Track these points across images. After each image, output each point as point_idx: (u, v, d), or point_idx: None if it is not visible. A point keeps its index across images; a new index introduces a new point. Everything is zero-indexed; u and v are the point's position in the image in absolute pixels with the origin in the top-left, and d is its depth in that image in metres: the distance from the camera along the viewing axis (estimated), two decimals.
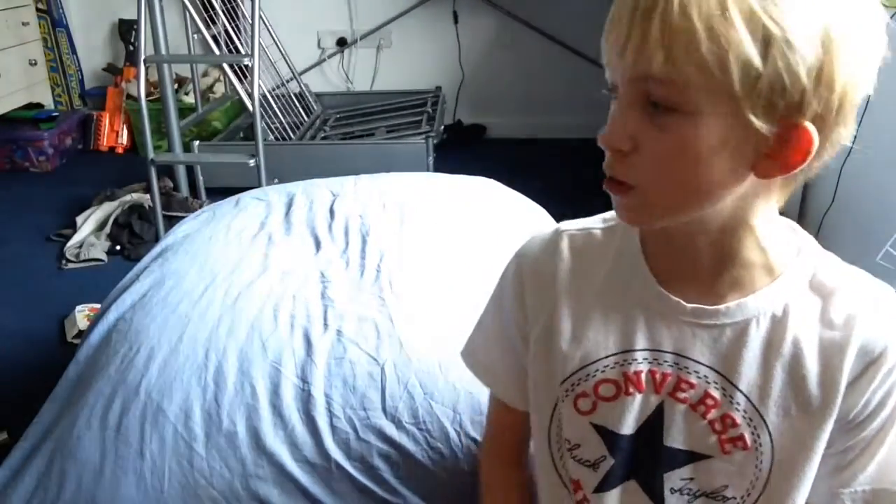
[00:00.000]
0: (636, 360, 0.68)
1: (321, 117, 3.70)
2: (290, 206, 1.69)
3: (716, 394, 0.66)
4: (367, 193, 1.72)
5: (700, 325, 0.66)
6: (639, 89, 0.58)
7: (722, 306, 0.65)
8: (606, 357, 0.69)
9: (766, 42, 0.52)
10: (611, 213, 0.73)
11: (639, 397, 0.68)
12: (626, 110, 0.59)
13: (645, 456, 0.70)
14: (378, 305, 1.30)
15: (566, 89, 3.83)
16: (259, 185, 2.38)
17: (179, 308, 1.31)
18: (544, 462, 0.77)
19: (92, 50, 4.02)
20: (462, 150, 3.70)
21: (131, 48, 3.80)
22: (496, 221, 1.65)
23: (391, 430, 1.09)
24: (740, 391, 0.65)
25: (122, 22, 3.91)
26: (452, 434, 1.08)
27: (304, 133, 3.43)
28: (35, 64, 3.74)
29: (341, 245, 1.51)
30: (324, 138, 3.47)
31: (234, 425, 1.10)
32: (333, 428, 1.09)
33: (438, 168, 2.91)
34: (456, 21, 3.80)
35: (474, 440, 1.08)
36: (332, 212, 1.64)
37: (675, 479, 0.69)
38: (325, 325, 1.25)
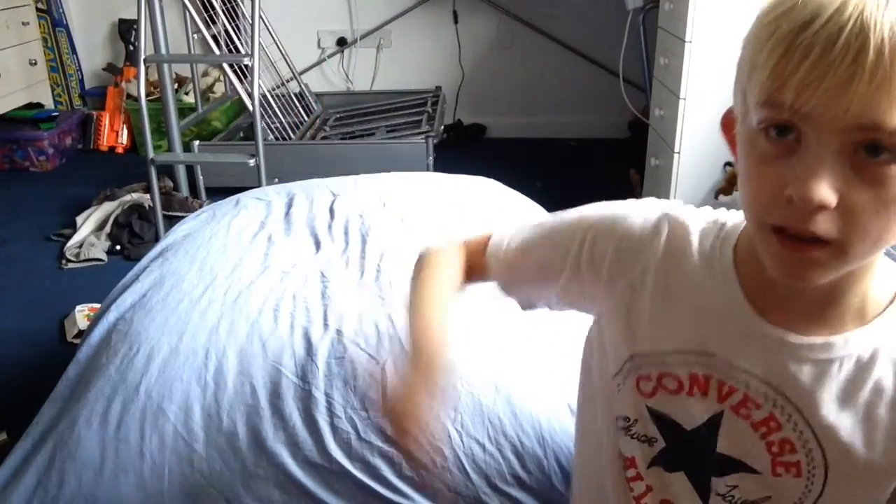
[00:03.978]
0: (706, 365, 0.67)
1: (321, 117, 3.70)
2: (290, 205, 1.69)
3: (781, 418, 0.64)
4: (367, 193, 1.71)
5: (781, 352, 0.64)
6: (853, 138, 0.51)
7: (807, 341, 0.63)
8: (678, 353, 0.68)
9: None
10: (712, 215, 0.72)
11: (701, 400, 0.68)
12: (830, 161, 0.52)
13: (697, 455, 0.69)
14: (378, 305, 1.30)
15: (566, 89, 3.84)
16: (259, 185, 2.38)
17: (179, 308, 1.31)
18: (599, 433, 0.78)
19: (92, 50, 4.02)
20: (462, 150, 3.70)
21: (131, 48, 3.80)
22: (496, 221, 1.65)
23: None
24: (808, 423, 0.64)
25: (122, 22, 3.90)
26: (453, 434, 1.08)
27: (304, 133, 3.43)
28: (35, 64, 3.74)
29: (341, 245, 1.51)
30: (324, 138, 3.47)
31: (234, 425, 1.10)
32: (334, 428, 1.09)
33: (438, 168, 2.91)
34: (456, 21, 3.80)
35: (476, 440, 1.07)
36: (331, 211, 1.64)
37: (721, 484, 0.69)
38: (326, 324, 1.25)
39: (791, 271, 0.58)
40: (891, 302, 0.63)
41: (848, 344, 0.62)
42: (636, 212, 0.75)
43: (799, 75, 0.50)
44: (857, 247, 0.55)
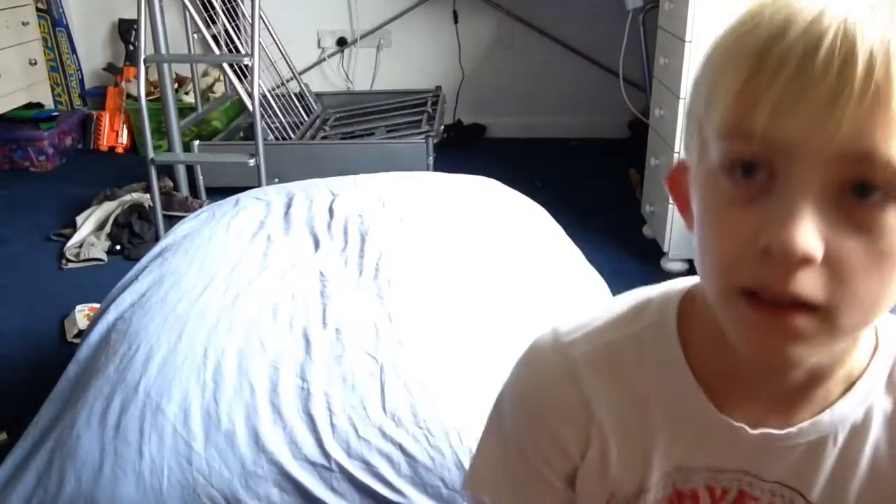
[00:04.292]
0: (691, 478, 0.58)
1: (321, 117, 3.70)
2: (289, 205, 1.69)
3: None
4: (366, 193, 1.72)
5: (766, 447, 0.55)
6: (839, 174, 0.42)
7: (794, 428, 0.54)
8: (660, 477, 0.59)
9: None
10: (615, 307, 0.61)
11: None
12: (813, 201, 0.42)
13: None
14: (377, 304, 1.30)
15: (566, 89, 3.84)
16: (259, 185, 2.38)
17: (178, 307, 1.31)
18: None
19: (92, 50, 4.02)
20: (462, 150, 3.70)
21: (131, 48, 3.80)
22: (495, 221, 1.65)
23: (391, 428, 1.09)
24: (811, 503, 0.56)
25: (122, 22, 3.90)
26: (452, 432, 1.08)
27: (304, 133, 3.43)
28: (35, 64, 3.74)
29: (340, 244, 1.51)
30: (324, 138, 3.47)
31: (233, 424, 1.10)
32: (333, 426, 1.09)
33: (438, 168, 2.91)
34: (456, 21, 3.80)
35: (475, 438, 1.07)
36: (331, 211, 1.64)
37: None
38: (324, 323, 1.25)
39: (769, 346, 0.46)
40: (874, 351, 0.54)
41: (835, 416, 0.53)
42: (529, 378, 0.63)
43: (771, 95, 0.41)
44: (848, 315, 0.44)
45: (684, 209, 0.53)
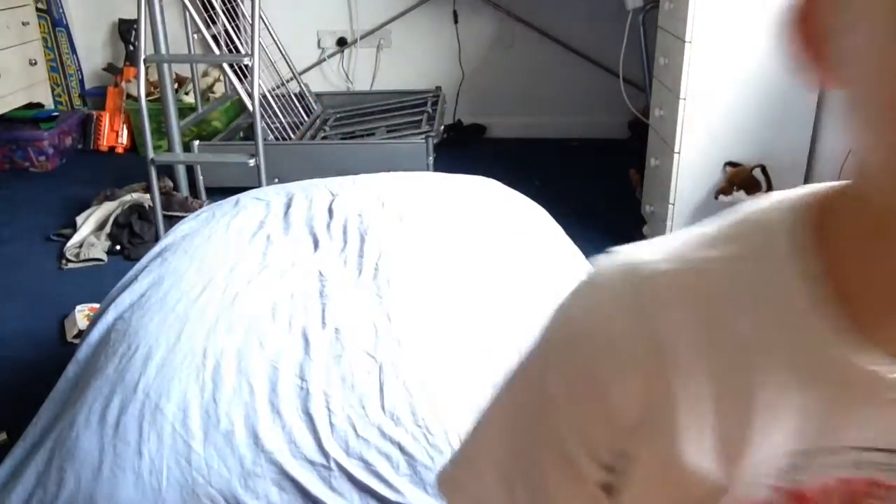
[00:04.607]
0: (810, 466, 0.40)
1: (321, 117, 3.70)
2: (289, 205, 1.69)
3: None
4: (366, 193, 1.72)
5: None
6: None
7: None
8: (767, 466, 0.41)
9: None
10: (713, 223, 0.44)
11: None
12: None
13: None
14: (376, 303, 1.30)
15: (566, 89, 3.84)
16: (259, 185, 2.38)
17: (178, 307, 1.31)
18: None
19: (92, 50, 4.02)
20: (462, 150, 3.70)
21: (131, 48, 3.80)
22: (495, 221, 1.65)
23: (390, 427, 1.09)
24: None
25: (122, 22, 3.91)
26: (451, 431, 1.08)
27: (304, 133, 3.43)
28: (35, 64, 3.74)
29: (339, 244, 1.51)
30: (324, 138, 3.47)
31: (232, 424, 1.10)
32: (332, 426, 1.09)
33: (438, 168, 2.91)
34: (456, 21, 3.80)
35: None
36: (330, 211, 1.64)
37: None
38: (324, 323, 1.25)
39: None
40: None
41: None
42: (582, 305, 0.46)
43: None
44: None
45: (818, 56, 0.37)
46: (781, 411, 0.40)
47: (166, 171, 3.03)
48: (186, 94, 3.63)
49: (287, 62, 3.64)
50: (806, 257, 0.39)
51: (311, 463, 1.06)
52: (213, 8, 3.27)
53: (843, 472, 0.40)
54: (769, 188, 2.25)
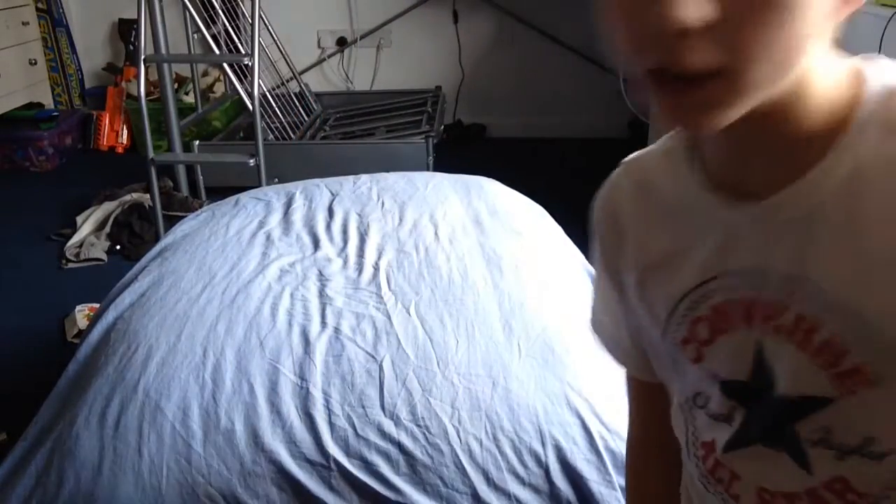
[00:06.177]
0: (713, 289, 0.53)
1: (321, 117, 3.70)
2: (288, 205, 1.69)
3: (806, 308, 0.48)
4: (366, 192, 1.72)
5: (760, 228, 0.50)
6: None
7: (778, 199, 0.48)
8: (690, 292, 0.55)
9: None
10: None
11: (734, 335, 0.53)
12: None
13: (766, 410, 0.53)
14: (376, 303, 1.30)
15: (566, 89, 3.84)
16: (259, 185, 2.38)
17: (178, 307, 1.31)
18: (679, 429, 0.62)
19: (92, 50, 4.03)
20: (462, 150, 3.70)
21: (131, 48, 3.81)
22: (495, 221, 1.65)
23: (390, 427, 1.09)
24: (827, 294, 0.47)
25: (122, 22, 3.91)
26: (451, 430, 1.08)
27: (304, 133, 3.43)
28: (35, 64, 3.75)
29: (339, 243, 1.51)
30: (324, 138, 3.47)
31: (232, 423, 1.10)
32: (332, 425, 1.09)
33: (438, 168, 2.91)
34: (456, 21, 3.81)
35: (473, 436, 1.08)
36: (330, 211, 1.64)
37: (805, 431, 0.51)
38: (323, 322, 1.25)
39: (685, 121, 0.46)
40: (863, 97, 0.48)
41: (823, 173, 0.47)
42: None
43: None
44: (755, 70, 0.42)
45: None
46: (685, 244, 0.55)
47: (166, 170, 3.04)
48: (186, 93, 3.63)
49: (287, 62, 3.64)
50: (689, 143, 0.56)
51: (311, 463, 1.06)
52: (213, 8, 3.27)
53: (726, 295, 0.53)
54: None
